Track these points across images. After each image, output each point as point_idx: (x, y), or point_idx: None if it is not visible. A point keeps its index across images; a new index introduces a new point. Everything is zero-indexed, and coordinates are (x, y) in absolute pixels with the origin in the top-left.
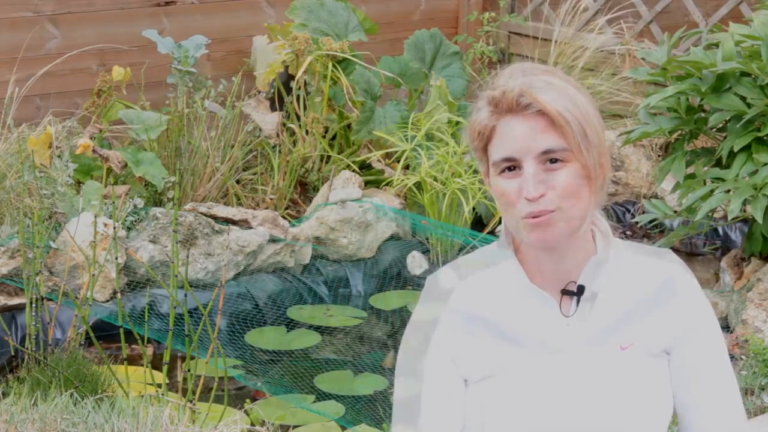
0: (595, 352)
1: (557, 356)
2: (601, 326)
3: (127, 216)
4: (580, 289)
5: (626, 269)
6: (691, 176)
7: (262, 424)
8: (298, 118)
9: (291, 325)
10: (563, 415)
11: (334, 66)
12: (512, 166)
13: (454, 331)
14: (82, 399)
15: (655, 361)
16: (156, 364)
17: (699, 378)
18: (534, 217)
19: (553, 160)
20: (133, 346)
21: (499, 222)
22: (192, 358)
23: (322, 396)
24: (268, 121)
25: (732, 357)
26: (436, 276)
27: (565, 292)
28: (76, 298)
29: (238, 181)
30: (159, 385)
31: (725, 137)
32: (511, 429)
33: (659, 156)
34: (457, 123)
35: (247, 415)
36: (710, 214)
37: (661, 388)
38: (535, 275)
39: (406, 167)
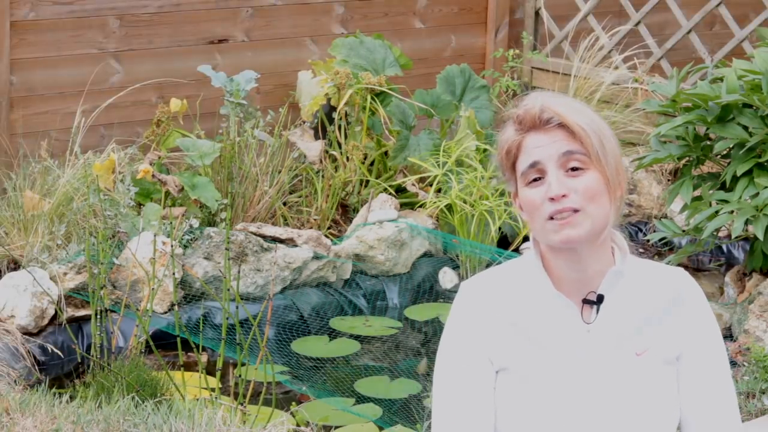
0: (612, 358)
1: (576, 360)
2: (619, 333)
3: (183, 235)
4: (600, 298)
5: (642, 281)
6: (698, 198)
7: (307, 424)
8: (340, 145)
9: (333, 334)
10: (577, 415)
11: (372, 98)
12: (538, 177)
13: (481, 330)
14: (143, 402)
15: (667, 368)
16: (210, 370)
17: (699, 384)
18: (558, 216)
19: (575, 168)
20: (189, 353)
21: (523, 240)
22: (243, 364)
23: (361, 399)
24: (312, 148)
25: (735, 363)
26: (467, 282)
27: (585, 301)
28: (137, 309)
29: (284, 204)
30: (213, 390)
31: (729, 163)
32: (525, 425)
33: (669, 180)
34: (485, 150)
35: (293, 416)
36: (715, 232)
37: (672, 393)
38: (558, 284)
39: (438, 191)
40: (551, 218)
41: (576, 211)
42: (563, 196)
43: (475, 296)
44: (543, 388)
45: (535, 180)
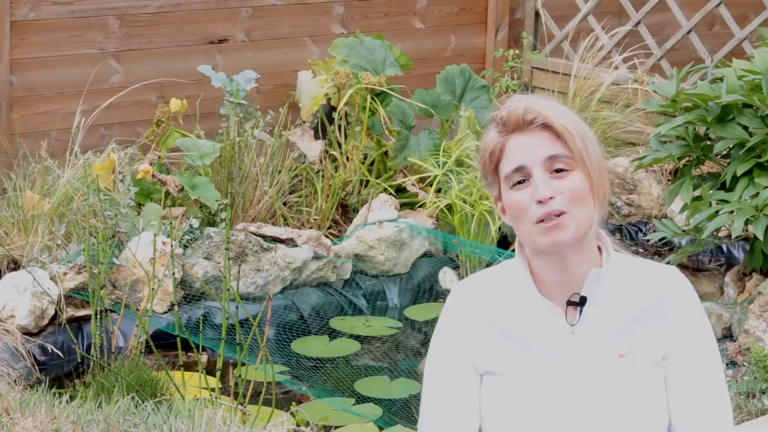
0: (595, 359)
1: (560, 362)
2: (602, 334)
3: (183, 235)
4: (583, 300)
5: (628, 281)
6: (698, 198)
7: (307, 424)
8: (340, 145)
9: (333, 334)
10: (562, 417)
11: (372, 98)
12: (522, 179)
13: (466, 333)
14: (143, 402)
15: (653, 369)
16: (210, 370)
17: (687, 385)
18: (546, 220)
19: (559, 170)
20: (189, 353)
21: None
22: (243, 364)
23: (361, 399)
24: (312, 148)
25: (735, 364)
26: (457, 285)
27: (570, 303)
28: (137, 309)
29: (284, 204)
30: (213, 390)
31: (729, 163)
32: (510, 427)
33: (669, 180)
34: None
35: (293, 416)
36: (715, 232)
37: (659, 394)
38: (543, 286)
39: (438, 190)
40: (538, 222)
41: (562, 213)
42: (550, 198)
43: (463, 300)
44: (528, 390)
45: (519, 182)
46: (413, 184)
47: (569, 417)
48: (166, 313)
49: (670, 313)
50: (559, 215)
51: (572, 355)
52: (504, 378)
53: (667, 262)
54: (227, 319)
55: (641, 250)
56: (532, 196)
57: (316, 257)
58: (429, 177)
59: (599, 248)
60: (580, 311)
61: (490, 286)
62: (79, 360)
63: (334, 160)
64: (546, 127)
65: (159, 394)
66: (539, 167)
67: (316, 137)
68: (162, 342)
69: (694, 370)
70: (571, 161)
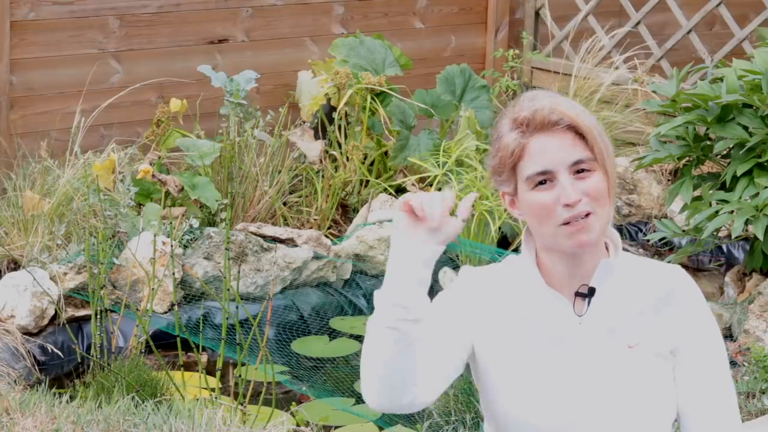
0: (603, 349)
1: (568, 351)
2: (611, 325)
3: (183, 235)
4: (592, 291)
5: (636, 275)
6: (698, 198)
7: (307, 424)
8: (340, 146)
9: (333, 334)
10: (569, 407)
11: (372, 98)
12: (545, 179)
13: (471, 311)
14: (143, 402)
15: (660, 361)
16: (210, 370)
17: (695, 379)
18: (572, 222)
19: (581, 170)
20: (189, 353)
21: None
22: (243, 364)
23: (361, 399)
24: (312, 148)
25: (735, 364)
26: (466, 268)
27: (578, 294)
28: (137, 309)
29: (284, 204)
30: (213, 390)
31: (729, 163)
32: (518, 416)
33: (669, 180)
34: (485, 150)
35: (293, 416)
36: (715, 232)
37: (666, 386)
38: (551, 279)
39: (438, 191)
40: (564, 224)
41: (589, 214)
42: (578, 200)
43: (471, 282)
44: (535, 379)
45: (541, 183)
46: (413, 184)
47: (576, 406)
48: (166, 313)
49: (679, 308)
50: (585, 217)
51: (580, 345)
52: (511, 366)
53: (668, 262)
54: (227, 319)
55: (641, 250)
56: (558, 198)
57: (316, 257)
58: (429, 177)
59: (605, 244)
60: (588, 302)
61: (497, 277)
62: (79, 360)
63: (334, 160)
64: (570, 128)
65: (159, 394)
66: (565, 171)
67: (316, 137)
68: (162, 342)
69: (702, 365)
70: (593, 162)
